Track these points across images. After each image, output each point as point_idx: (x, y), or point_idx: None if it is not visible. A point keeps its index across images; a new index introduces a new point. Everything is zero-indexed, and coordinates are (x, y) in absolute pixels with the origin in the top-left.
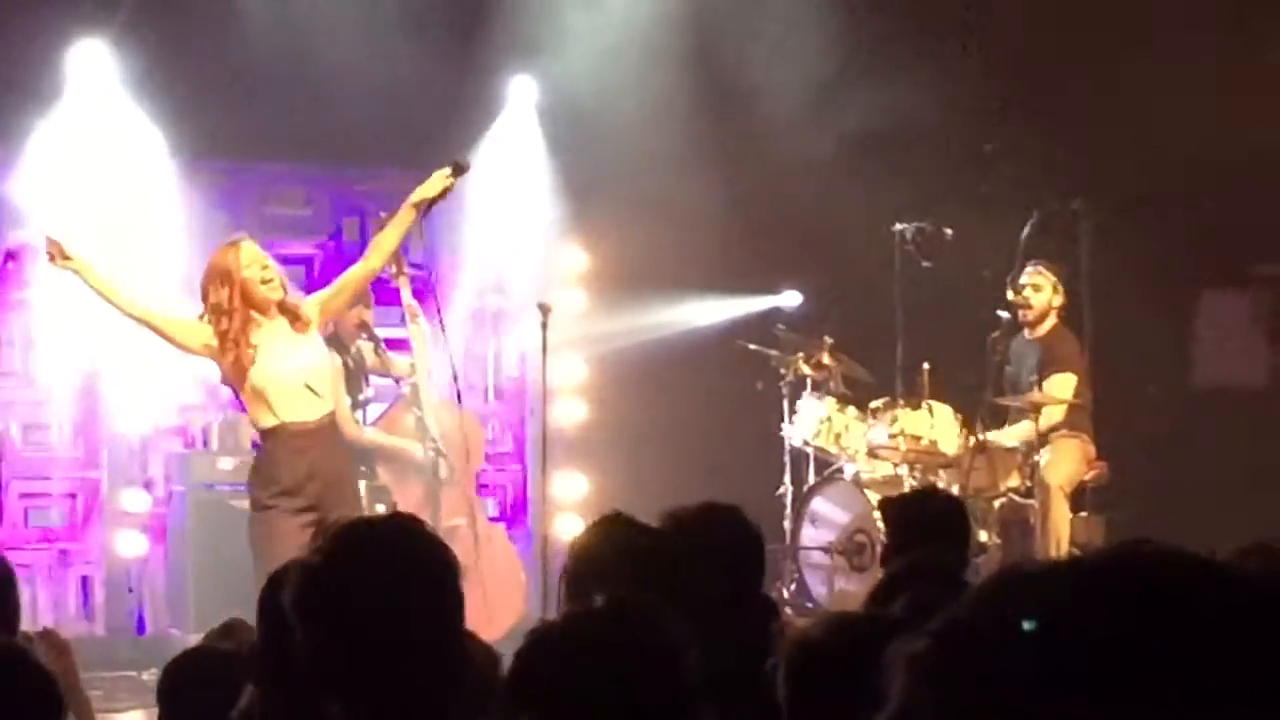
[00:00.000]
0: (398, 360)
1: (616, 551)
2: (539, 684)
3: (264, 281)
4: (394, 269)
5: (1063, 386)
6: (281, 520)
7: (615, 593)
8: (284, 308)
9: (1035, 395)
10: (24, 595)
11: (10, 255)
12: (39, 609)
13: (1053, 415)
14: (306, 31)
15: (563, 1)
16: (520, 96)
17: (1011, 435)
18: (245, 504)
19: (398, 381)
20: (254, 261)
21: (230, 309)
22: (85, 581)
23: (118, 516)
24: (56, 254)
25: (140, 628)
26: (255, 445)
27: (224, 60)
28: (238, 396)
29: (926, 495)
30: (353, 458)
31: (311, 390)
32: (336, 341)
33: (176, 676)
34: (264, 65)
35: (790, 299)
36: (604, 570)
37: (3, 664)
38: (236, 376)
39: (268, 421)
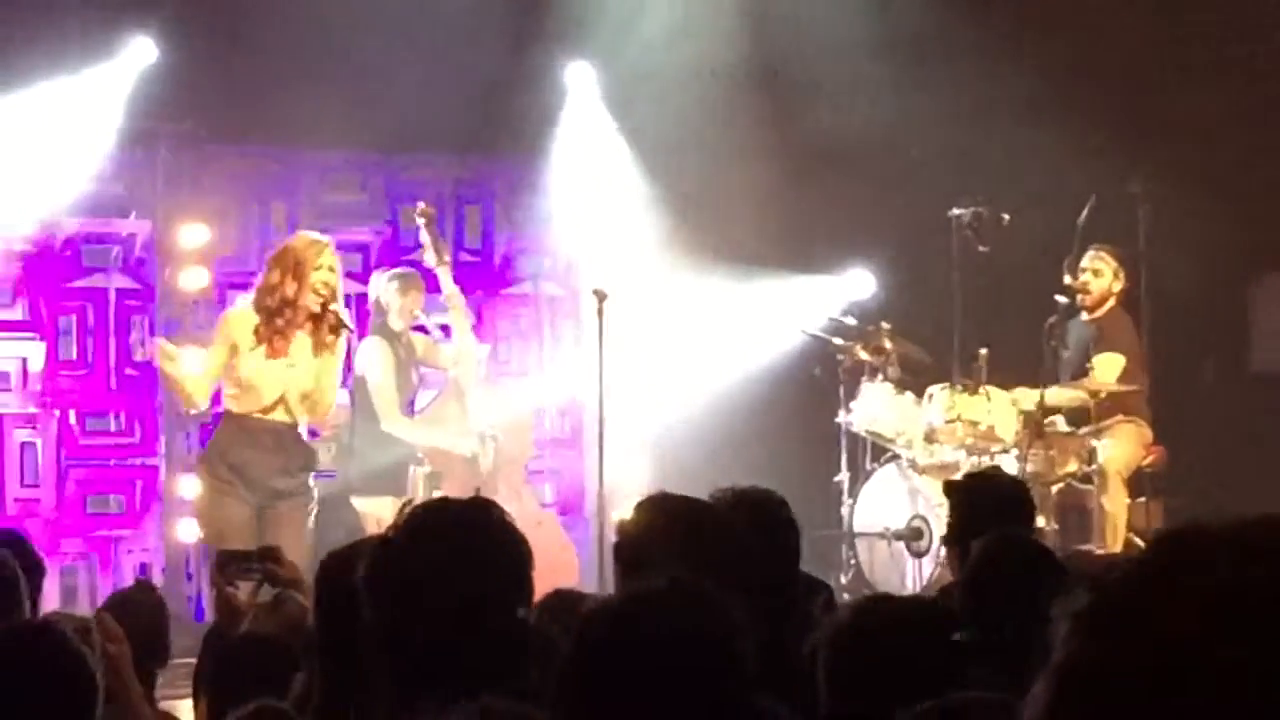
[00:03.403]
0: (444, 350)
1: (665, 529)
2: (599, 664)
3: (315, 291)
4: (436, 258)
5: (1109, 366)
6: (230, 500)
7: (672, 573)
8: (314, 321)
9: (1085, 381)
10: (82, 582)
11: (68, 242)
12: (97, 597)
13: (1100, 395)
14: (361, 19)
15: None
16: (579, 83)
17: (1064, 395)
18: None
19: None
20: (324, 267)
21: (292, 301)
22: (143, 569)
23: (176, 504)
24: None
25: (199, 614)
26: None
27: (279, 48)
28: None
29: (993, 476)
30: (304, 475)
31: (289, 406)
32: (387, 330)
33: (223, 664)
34: (319, 53)
35: (858, 280)
36: (654, 548)
37: (35, 643)
38: (235, 357)
39: (233, 406)
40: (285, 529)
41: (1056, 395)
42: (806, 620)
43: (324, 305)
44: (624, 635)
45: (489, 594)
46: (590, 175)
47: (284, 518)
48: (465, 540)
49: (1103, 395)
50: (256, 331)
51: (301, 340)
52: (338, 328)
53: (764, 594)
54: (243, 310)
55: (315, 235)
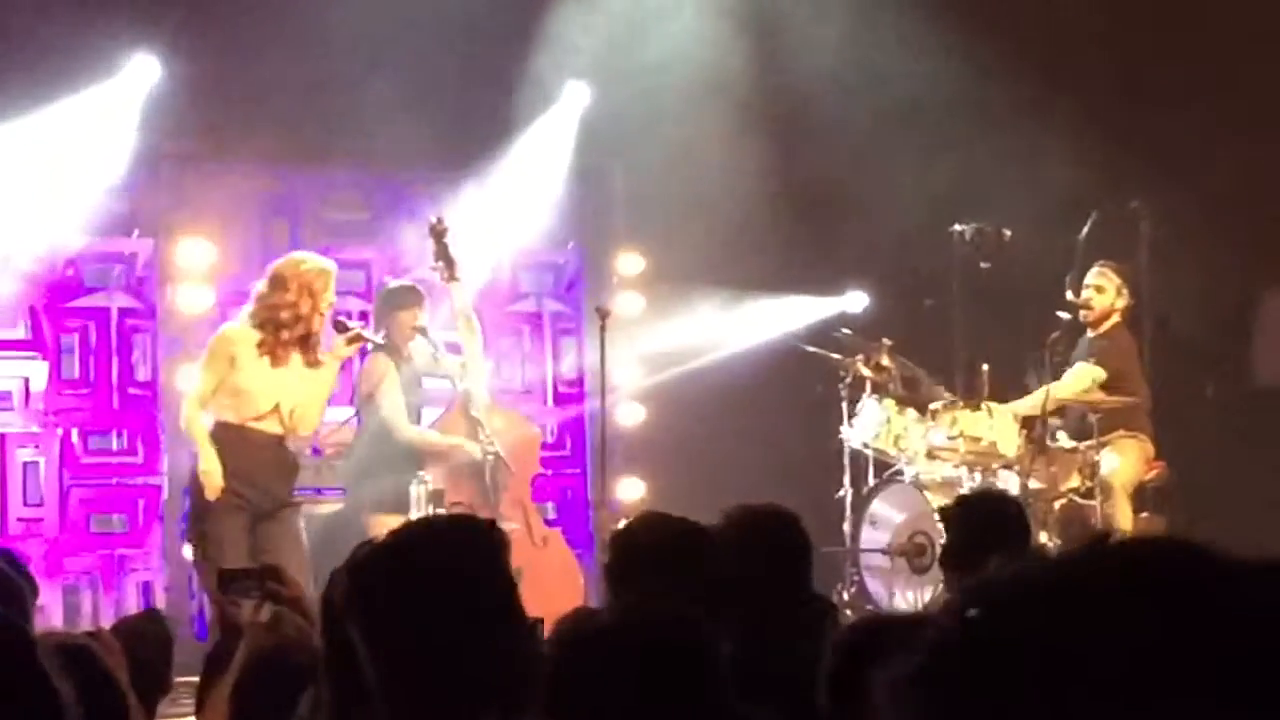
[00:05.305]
0: (447, 360)
1: (653, 545)
2: (571, 689)
3: (318, 312)
4: (446, 274)
5: (1078, 375)
6: (232, 511)
7: (647, 591)
8: (305, 344)
9: (1053, 388)
10: (85, 601)
11: (70, 261)
12: (100, 615)
13: (1065, 394)
14: (364, 38)
15: (617, 13)
16: (569, 100)
17: (1023, 404)
18: (305, 508)
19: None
20: (326, 291)
21: (305, 316)
22: (146, 587)
23: (179, 522)
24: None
25: (202, 633)
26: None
27: (282, 66)
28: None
29: (986, 496)
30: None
31: (281, 417)
32: (390, 346)
33: (244, 685)
34: (322, 71)
35: (855, 301)
36: (641, 566)
37: (70, 661)
38: (233, 369)
39: (229, 416)
40: (284, 539)
41: (1016, 405)
42: (817, 640)
43: (338, 325)
44: (591, 661)
45: (466, 610)
46: (591, 194)
47: (282, 527)
48: (437, 557)
49: (1102, 407)
50: (261, 344)
51: (293, 357)
52: (356, 340)
53: (758, 612)
54: (242, 327)
55: (320, 262)
